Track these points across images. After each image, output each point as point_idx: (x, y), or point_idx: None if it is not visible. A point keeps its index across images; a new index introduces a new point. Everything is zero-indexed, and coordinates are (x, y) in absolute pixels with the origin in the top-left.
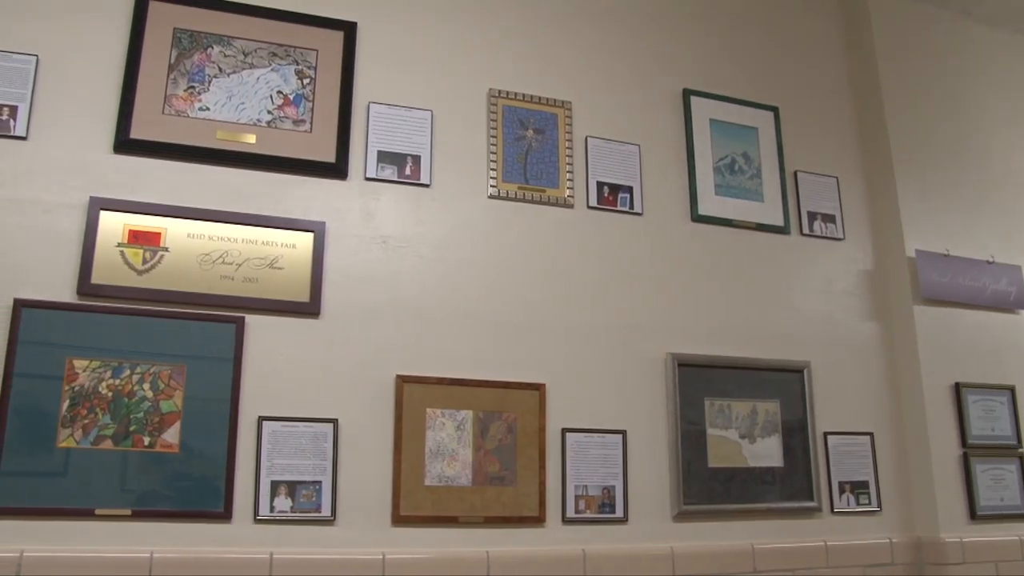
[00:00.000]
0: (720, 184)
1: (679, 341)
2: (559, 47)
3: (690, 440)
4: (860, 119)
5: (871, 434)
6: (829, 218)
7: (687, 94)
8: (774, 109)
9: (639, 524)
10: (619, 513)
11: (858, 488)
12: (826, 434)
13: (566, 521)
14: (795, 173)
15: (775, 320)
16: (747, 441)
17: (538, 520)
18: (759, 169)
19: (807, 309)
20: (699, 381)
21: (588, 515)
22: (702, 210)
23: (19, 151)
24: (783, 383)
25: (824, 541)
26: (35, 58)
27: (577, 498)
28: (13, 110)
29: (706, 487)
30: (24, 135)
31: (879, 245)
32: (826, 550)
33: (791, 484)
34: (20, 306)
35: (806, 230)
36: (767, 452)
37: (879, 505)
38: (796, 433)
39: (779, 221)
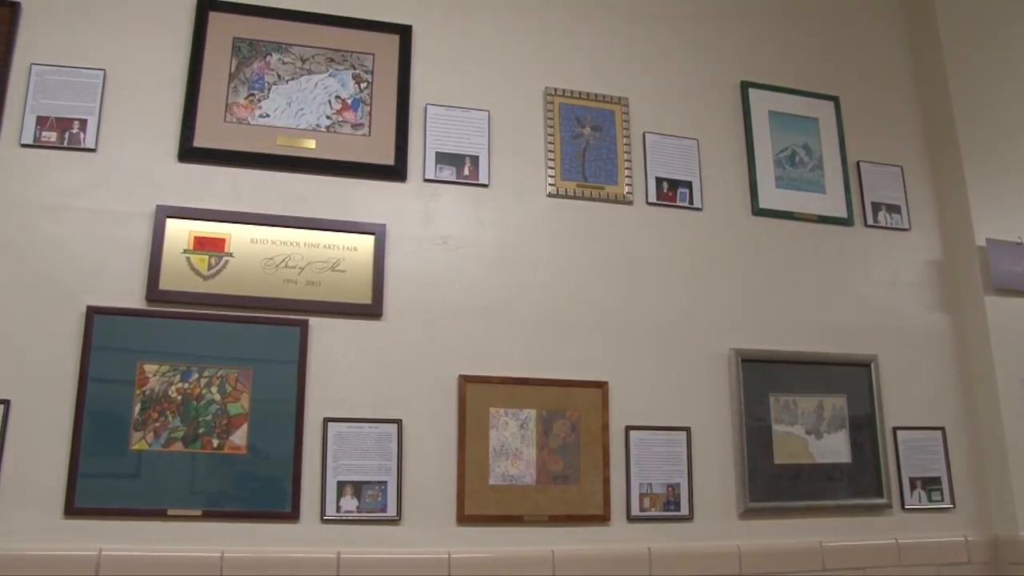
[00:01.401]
0: (780, 177)
1: (742, 336)
2: (614, 43)
3: (755, 436)
4: (924, 105)
5: (942, 429)
6: (894, 208)
7: (745, 86)
8: (834, 99)
9: (705, 522)
10: (684, 511)
11: (930, 484)
12: (895, 429)
13: (631, 519)
14: (857, 163)
15: (840, 313)
16: (813, 437)
17: (603, 518)
18: (820, 160)
19: (873, 302)
20: (763, 377)
21: (653, 513)
22: (763, 204)
23: (89, 163)
24: (849, 377)
25: (895, 539)
26: (103, 72)
27: (641, 496)
28: (83, 123)
29: (772, 484)
30: (94, 147)
31: (947, 234)
32: (897, 548)
33: (859, 481)
34: (92, 313)
35: (870, 221)
36: (834, 448)
37: (952, 502)
38: (864, 428)
39: (842, 213)
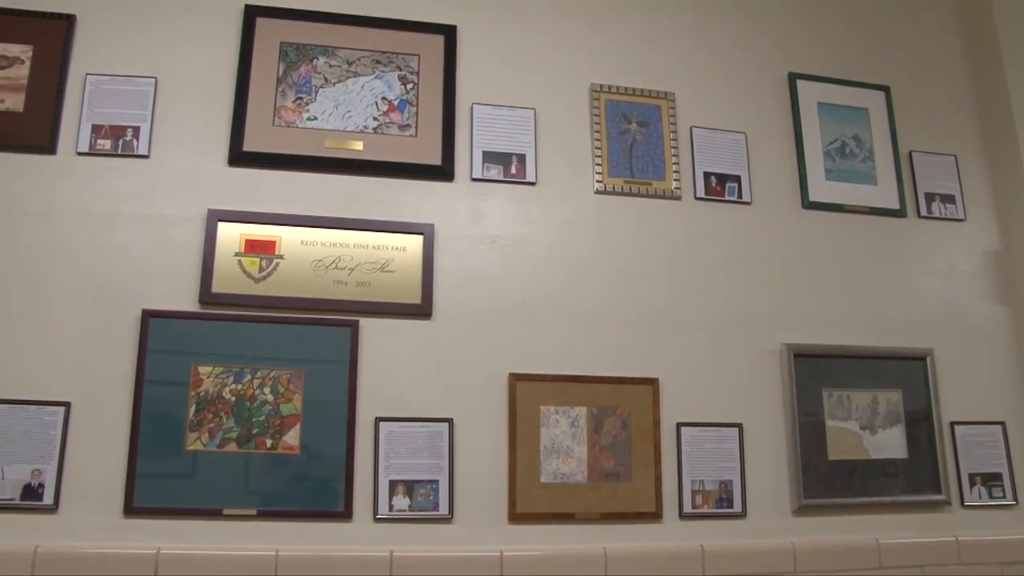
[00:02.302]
0: (831, 169)
1: (794, 331)
2: (659, 38)
3: (808, 432)
4: (979, 92)
5: (1002, 423)
6: (948, 198)
7: (793, 78)
8: (885, 88)
9: (758, 519)
10: (737, 508)
11: (990, 480)
12: (953, 424)
13: (683, 517)
14: (910, 153)
15: (894, 307)
16: (868, 432)
17: (655, 516)
18: (871, 151)
19: (928, 294)
20: (816, 372)
21: (705, 510)
22: (813, 196)
23: (142, 169)
24: (905, 372)
25: (955, 536)
26: (154, 80)
27: (694, 493)
28: (136, 130)
29: (826, 480)
30: (146, 153)
31: (1005, 224)
32: (958, 546)
33: (916, 476)
34: (148, 316)
35: (924, 212)
36: (890, 443)
37: (1015, 498)
38: (920, 423)
39: (894, 204)
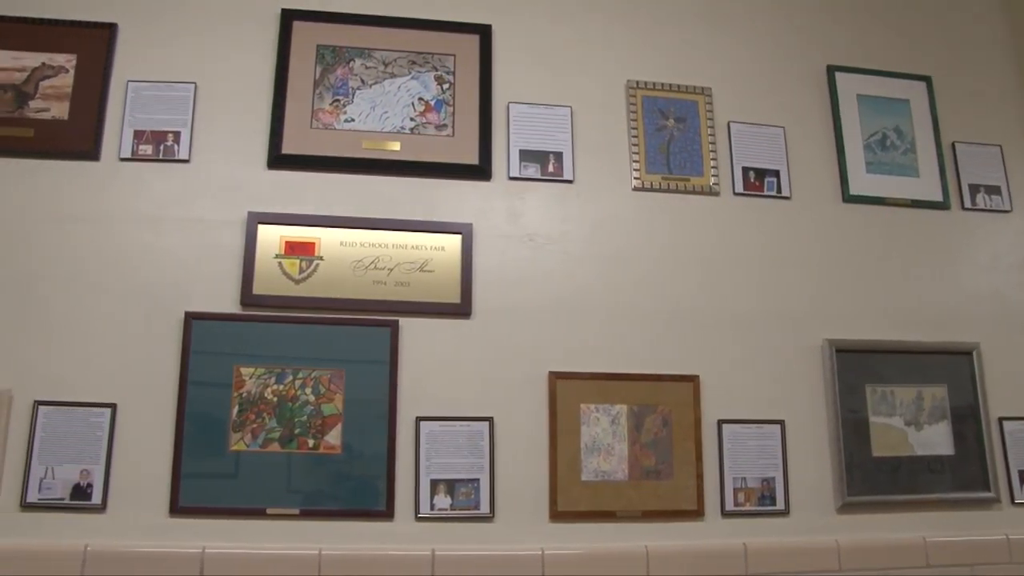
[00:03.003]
0: (871, 162)
1: (836, 327)
2: (695, 33)
3: (851, 429)
4: None
5: None
6: (993, 189)
7: (831, 70)
8: (926, 79)
9: (801, 516)
10: (780, 505)
11: None
12: (1001, 419)
13: (725, 514)
14: (953, 144)
15: (938, 301)
16: (913, 428)
17: (696, 514)
18: (913, 143)
19: (973, 288)
20: (859, 367)
21: (747, 508)
22: (853, 190)
23: (183, 173)
24: (950, 366)
25: (1005, 535)
26: (193, 86)
27: (736, 491)
28: (176, 135)
29: (871, 477)
30: (187, 158)
31: None
32: (1008, 544)
33: (964, 473)
34: (190, 318)
35: (968, 204)
36: (935, 440)
37: None
38: (967, 419)
39: (937, 196)
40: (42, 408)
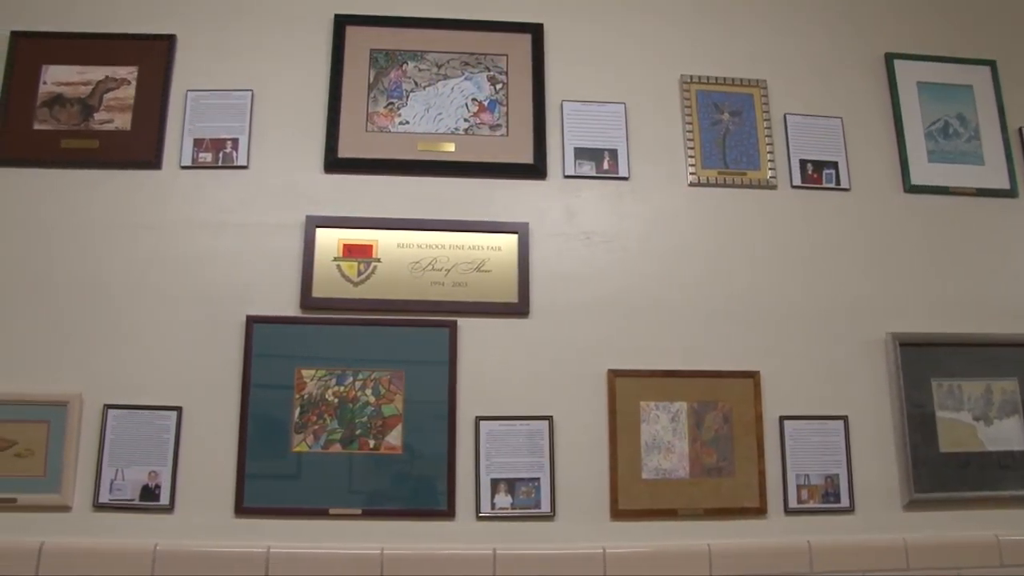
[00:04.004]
0: (933, 151)
1: (899, 320)
2: (748, 25)
3: (917, 424)
4: None
5: None
6: None
7: (890, 58)
8: (990, 63)
9: (867, 514)
10: (844, 503)
11: None
12: None
13: (788, 512)
14: (1020, 130)
15: (1006, 291)
16: (982, 423)
17: (759, 511)
18: (977, 130)
19: None
20: (924, 361)
21: (811, 505)
22: (915, 180)
23: (242, 179)
24: (1021, 359)
25: None
26: (250, 93)
27: (799, 488)
28: (235, 142)
29: (938, 474)
30: (245, 164)
31: None
32: None
33: None
34: (252, 322)
35: None
36: (1006, 435)
37: None
38: None
39: (1003, 184)
40: (111, 411)
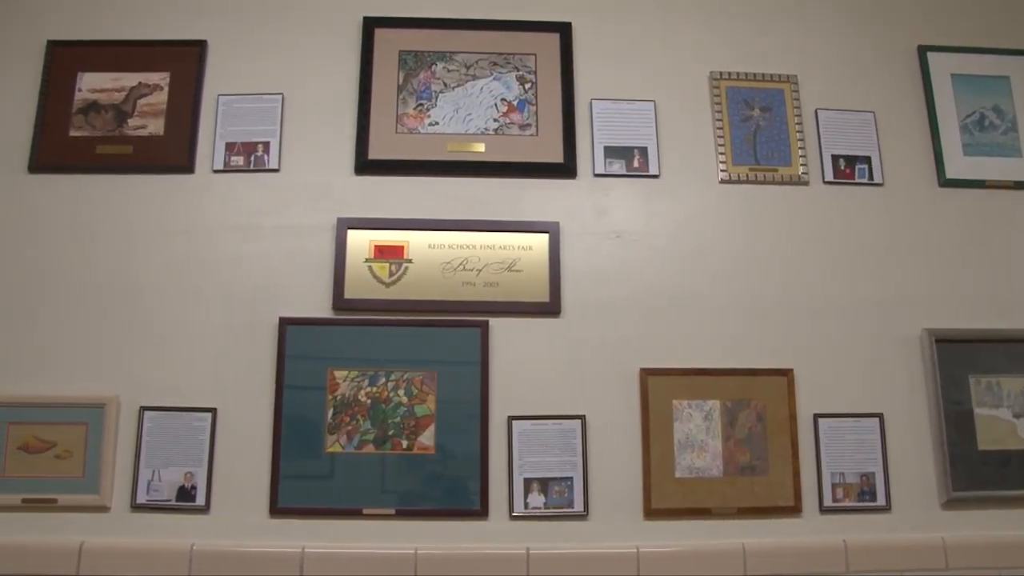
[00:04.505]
0: (968, 143)
1: (935, 316)
2: (777, 20)
3: (955, 421)
4: None
5: None
6: None
7: (923, 51)
8: None
9: (904, 513)
10: (881, 501)
11: None
12: None
13: (823, 511)
14: None
15: None
16: (1022, 421)
17: (794, 510)
18: (1014, 121)
19: None
20: (961, 357)
21: (847, 504)
22: (950, 173)
23: (274, 182)
24: None
25: None
26: (281, 96)
27: (834, 486)
28: (266, 146)
29: (977, 472)
30: (277, 167)
31: None
32: None
33: None
34: (285, 324)
35: None
36: None
37: None
38: None
39: None
40: (147, 413)
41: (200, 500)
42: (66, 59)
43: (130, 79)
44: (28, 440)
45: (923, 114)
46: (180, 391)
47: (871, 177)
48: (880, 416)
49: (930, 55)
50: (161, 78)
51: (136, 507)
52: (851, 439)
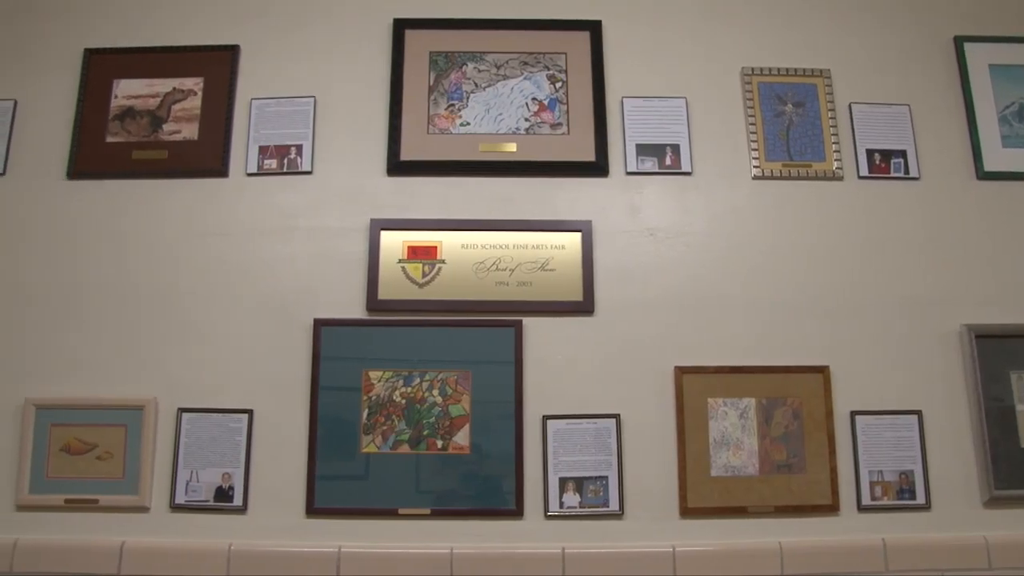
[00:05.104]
0: (1008, 135)
1: (974, 311)
2: (809, 13)
3: (996, 418)
4: None
5: None
6: None
7: (959, 41)
8: None
9: (944, 511)
10: (920, 499)
11: None
12: None
13: (862, 509)
14: None
15: None
16: None
17: (831, 508)
18: None
19: None
20: (1002, 353)
21: (886, 502)
22: (988, 166)
23: (307, 185)
24: None
25: None
26: (313, 99)
27: (872, 484)
28: (299, 148)
29: (1019, 469)
30: (310, 170)
31: None
32: None
33: None
34: (319, 325)
35: None
36: None
37: None
38: None
39: None
40: (185, 415)
41: (238, 500)
42: (102, 67)
43: (164, 85)
44: (70, 441)
45: (960, 106)
46: (217, 393)
47: (907, 171)
48: (919, 413)
49: (967, 45)
50: (195, 83)
51: (175, 507)
52: (889, 436)
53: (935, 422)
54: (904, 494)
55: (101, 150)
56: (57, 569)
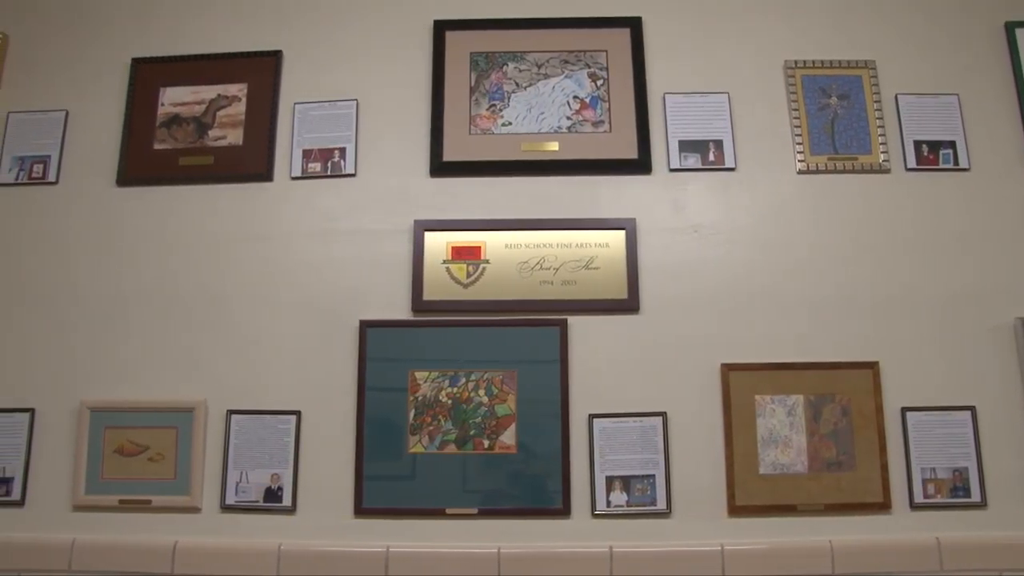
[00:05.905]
0: None
1: None
2: (851, 3)
3: None
4: None
5: None
6: None
7: (1010, 27)
8: None
9: (1001, 509)
10: (975, 497)
11: None
12: None
13: (914, 507)
14: None
15: None
16: None
17: (883, 506)
18: None
19: None
20: None
21: (939, 500)
22: None
23: (350, 187)
24: None
25: None
26: (355, 102)
27: (925, 482)
28: (343, 151)
29: None
30: (353, 172)
31: None
32: None
33: None
34: (365, 327)
35: None
36: None
37: None
38: None
39: None
40: (234, 417)
41: (287, 501)
42: (149, 75)
43: (209, 92)
44: (123, 444)
45: (1011, 94)
46: (265, 394)
47: (956, 162)
48: (972, 409)
49: (1018, 31)
50: (239, 89)
51: (225, 508)
52: (941, 433)
53: (989, 418)
54: (958, 492)
55: (149, 157)
56: (112, 568)
